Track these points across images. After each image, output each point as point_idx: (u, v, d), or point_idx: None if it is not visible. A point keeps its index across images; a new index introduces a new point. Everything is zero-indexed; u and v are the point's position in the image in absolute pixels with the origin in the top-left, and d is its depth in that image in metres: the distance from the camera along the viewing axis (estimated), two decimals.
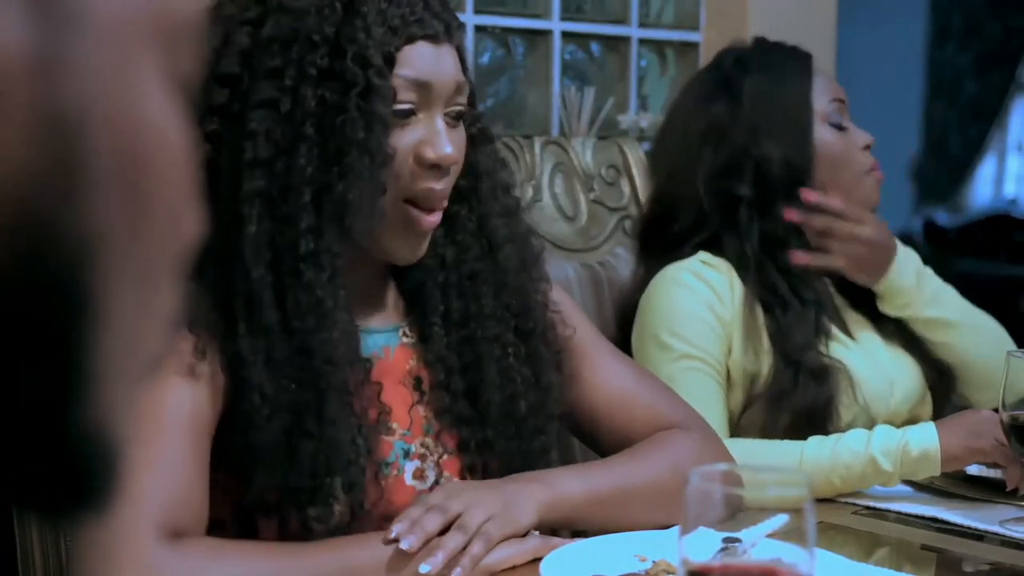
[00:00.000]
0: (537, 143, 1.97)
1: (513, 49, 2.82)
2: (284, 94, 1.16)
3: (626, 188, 2.05)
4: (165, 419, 1.11)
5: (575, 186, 1.99)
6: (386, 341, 1.30)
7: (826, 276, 1.83)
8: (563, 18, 2.87)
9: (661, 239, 1.80)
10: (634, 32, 3.01)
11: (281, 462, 1.16)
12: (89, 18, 0.33)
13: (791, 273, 1.73)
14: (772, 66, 1.81)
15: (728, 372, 1.69)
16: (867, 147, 1.80)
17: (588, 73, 2.96)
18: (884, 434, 1.54)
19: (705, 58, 3.12)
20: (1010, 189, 6.50)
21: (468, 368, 1.29)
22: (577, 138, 2.14)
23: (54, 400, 0.33)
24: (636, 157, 2.06)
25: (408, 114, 1.20)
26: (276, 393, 1.15)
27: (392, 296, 1.33)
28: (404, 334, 1.32)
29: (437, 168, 1.21)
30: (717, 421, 1.63)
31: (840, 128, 1.79)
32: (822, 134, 1.76)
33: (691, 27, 3.12)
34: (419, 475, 1.27)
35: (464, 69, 1.26)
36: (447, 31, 1.22)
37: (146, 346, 0.36)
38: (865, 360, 1.74)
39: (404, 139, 1.20)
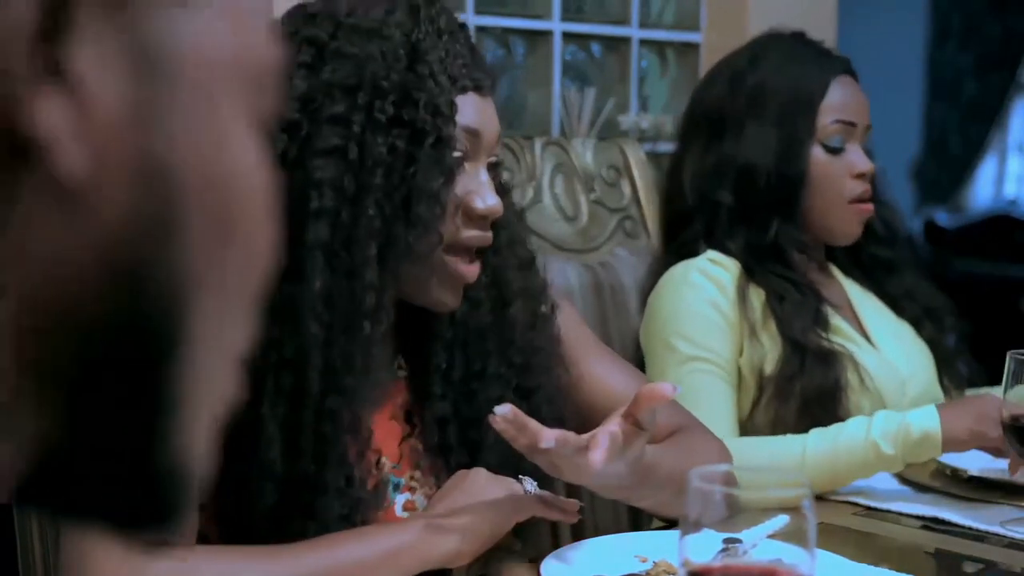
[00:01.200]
0: (537, 144, 1.97)
1: (513, 50, 2.82)
2: (351, 141, 1.14)
3: (627, 189, 2.05)
4: None
5: (575, 187, 1.99)
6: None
7: (843, 274, 1.84)
8: (563, 19, 2.87)
9: (675, 234, 1.81)
10: (635, 33, 3.01)
11: (269, 523, 1.15)
12: (184, 71, 0.35)
13: (787, 268, 1.73)
14: (787, 67, 1.78)
15: (740, 371, 1.69)
16: (861, 175, 1.76)
17: (589, 74, 2.96)
18: (884, 418, 1.54)
19: (705, 58, 3.12)
20: (1011, 190, 6.50)
21: (465, 426, 1.28)
22: (577, 139, 2.14)
23: (141, 429, 0.36)
24: (637, 158, 2.06)
25: (459, 163, 1.20)
26: (281, 462, 1.14)
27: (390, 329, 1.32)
28: (399, 366, 1.31)
29: (483, 219, 1.21)
30: (724, 421, 1.63)
31: (835, 151, 1.75)
32: (813, 154, 1.75)
33: (692, 28, 3.12)
34: (410, 507, 1.26)
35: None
36: (491, 83, 1.23)
37: (223, 380, 0.38)
38: (878, 360, 1.74)
39: (454, 189, 1.20)
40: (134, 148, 0.34)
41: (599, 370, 1.39)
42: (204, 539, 1.16)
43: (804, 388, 1.64)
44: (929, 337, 1.85)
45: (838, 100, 1.76)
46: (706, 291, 1.70)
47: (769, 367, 1.66)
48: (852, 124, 1.76)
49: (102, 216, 0.34)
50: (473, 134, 1.20)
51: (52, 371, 0.34)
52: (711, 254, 1.74)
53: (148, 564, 1.03)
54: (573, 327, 1.39)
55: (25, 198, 0.33)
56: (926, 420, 1.51)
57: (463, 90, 1.19)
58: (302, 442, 1.13)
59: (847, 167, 1.75)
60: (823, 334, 1.69)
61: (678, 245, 1.79)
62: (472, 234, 1.21)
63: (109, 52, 0.34)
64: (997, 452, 1.53)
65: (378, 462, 1.24)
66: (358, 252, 1.13)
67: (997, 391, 1.50)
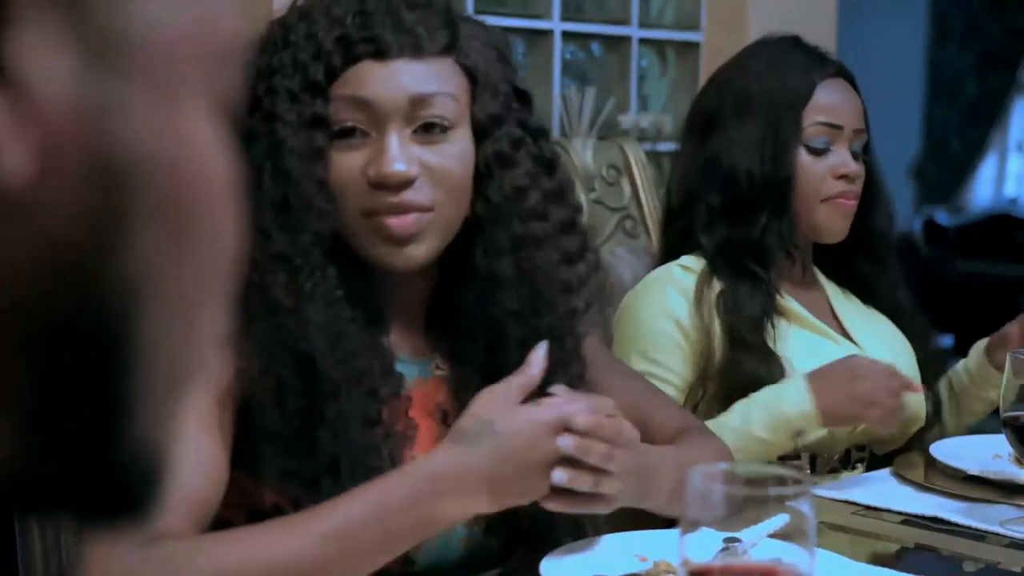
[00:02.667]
0: None
1: (513, 49, 2.82)
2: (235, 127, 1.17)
3: (627, 188, 2.05)
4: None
5: (575, 186, 1.99)
6: (419, 372, 1.30)
7: (824, 273, 1.85)
8: (563, 18, 2.87)
9: (664, 233, 1.83)
10: (634, 32, 3.01)
11: (296, 454, 1.15)
12: (139, 58, 0.33)
13: (759, 266, 1.74)
14: (773, 71, 1.79)
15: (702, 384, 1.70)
16: (843, 176, 1.76)
17: (588, 73, 2.96)
18: (762, 409, 1.58)
19: (706, 58, 3.12)
20: (1011, 189, 6.50)
21: None
22: (577, 138, 2.14)
23: (98, 425, 0.35)
24: (637, 157, 2.07)
25: (352, 133, 1.20)
26: (278, 380, 1.16)
27: (427, 328, 1.32)
28: (437, 366, 1.31)
29: (383, 186, 1.20)
30: None
31: (818, 152, 1.76)
32: (798, 155, 1.75)
33: (692, 27, 3.12)
34: None
35: (477, 82, 1.25)
36: (406, 46, 1.20)
37: (192, 363, 0.37)
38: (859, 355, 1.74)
39: (352, 160, 1.21)
40: (83, 145, 0.32)
41: (613, 381, 1.39)
42: (228, 526, 1.17)
43: (742, 379, 1.65)
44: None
45: (824, 103, 1.77)
46: (669, 305, 1.72)
47: (716, 362, 1.68)
48: (837, 127, 1.77)
49: (49, 217, 0.32)
50: (362, 104, 1.20)
51: (10, 374, 0.33)
52: (684, 259, 1.76)
53: (146, 551, 1.04)
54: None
55: None
56: (798, 400, 1.57)
57: (353, 60, 1.20)
58: (292, 401, 1.16)
59: (830, 168, 1.76)
60: (769, 328, 1.70)
61: (664, 243, 1.83)
62: (377, 200, 1.20)
63: (55, 42, 0.32)
64: (859, 405, 1.55)
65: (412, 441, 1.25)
66: (260, 221, 1.17)
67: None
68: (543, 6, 2.84)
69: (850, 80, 1.82)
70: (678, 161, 1.85)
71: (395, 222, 1.20)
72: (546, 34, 2.84)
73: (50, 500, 0.36)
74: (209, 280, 0.37)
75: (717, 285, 1.72)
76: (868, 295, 1.88)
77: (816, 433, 1.58)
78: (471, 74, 1.25)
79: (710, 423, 1.57)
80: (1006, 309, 1.96)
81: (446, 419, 1.29)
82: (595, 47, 3.00)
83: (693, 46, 3.12)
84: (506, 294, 1.26)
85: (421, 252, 1.23)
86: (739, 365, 1.66)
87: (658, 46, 3.10)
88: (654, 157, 3.03)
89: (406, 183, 1.20)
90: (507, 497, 1.14)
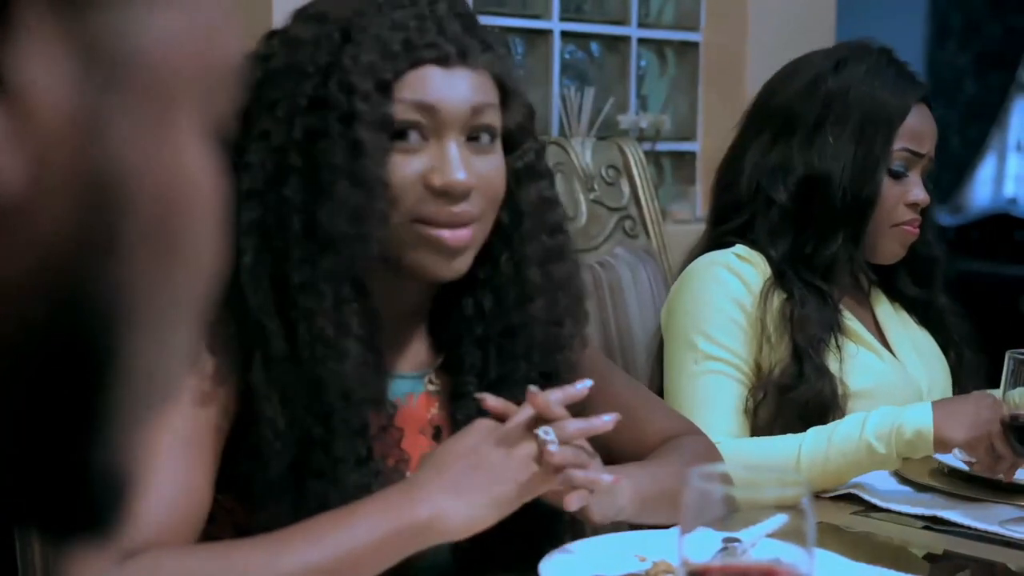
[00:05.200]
0: None
1: (513, 49, 2.82)
2: (278, 125, 1.15)
3: (626, 188, 2.05)
4: (163, 434, 1.10)
5: (575, 186, 1.99)
6: (411, 388, 1.29)
7: (870, 282, 1.83)
8: (563, 18, 2.87)
9: (722, 222, 1.79)
10: (634, 32, 3.01)
11: (288, 497, 1.14)
12: (138, 75, 0.33)
13: (822, 280, 1.72)
14: (872, 82, 1.73)
15: (759, 367, 1.68)
16: (914, 204, 1.73)
17: (588, 73, 2.96)
18: (879, 417, 1.54)
19: (705, 58, 3.12)
20: (1010, 189, 6.49)
21: None
22: (577, 138, 2.14)
23: (74, 433, 0.34)
24: (636, 157, 2.06)
25: (411, 138, 1.18)
26: (288, 427, 1.14)
27: (422, 340, 1.31)
28: (430, 381, 1.30)
29: (447, 195, 1.18)
30: (733, 422, 1.64)
31: (897, 176, 1.73)
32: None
33: (691, 27, 3.12)
34: None
35: (507, 93, 1.24)
36: (461, 54, 1.19)
37: (164, 381, 0.37)
38: (898, 373, 1.74)
39: (411, 165, 1.18)
40: (78, 159, 0.32)
41: (609, 387, 1.38)
42: (239, 527, 1.17)
43: (800, 398, 1.64)
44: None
45: (912, 127, 1.73)
46: (731, 287, 1.69)
47: (776, 371, 1.66)
48: (919, 155, 1.74)
49: (39, 230, 0.32)
50: (427, 109, 1.18)
51: None
52: (739, 249, 1.72)
53: (119, 567, 1.03)
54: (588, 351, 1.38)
55: None
56: (919, 419, 1.51)
57: (416, 63, 1.18)
58: (300, 407, 1.14)
59: (903, 194, 1.73)
60: (833, 348, 1.68)
61: (720, 233, 1.78)
62: (435, 208, 1.18)
63: (56, 55, 0.32)
64: (971, 450, 1.52)
65: (403, 475, 1.23)
66: (284, 229, 1.14)
67: (997, 394, 1.49)
68: (542, 6, 2.84)
69: (929, 105, 1.78)
70: (743, 152, 1.78)
71: (449, 235, 1.18)
72: (545, 34, 2.84)
73: (14, 511, 0.36)
74: (187, 300, 0.36)
75: (782, 291, 1.69)
76: (916, 314, 1.86)
77: (923, 454, 1.54)
78: (502, 86, 1.24)
79: (822, 428, 1.56)
80: (1005, 309, 1.96)
81: (439, 435, 1.28)
82: (594, 47, 3.00)
83: (692, 46, 3.12)
84: (534, 303, 1.26)
85: (465, 263, 1.22)
86: (800, 381, 1.64)
87: (657, 46, 3.10)
88: (653, 157, 3.03)
89: (467, 193, 1.19)
90: (485, 497, 1.13)
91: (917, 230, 1.76)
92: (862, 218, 1.71)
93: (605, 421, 1.19)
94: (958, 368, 1.84)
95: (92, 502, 0.36)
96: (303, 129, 1.15)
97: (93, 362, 0.34)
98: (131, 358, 0.34)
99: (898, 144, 1.72)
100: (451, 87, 1.19)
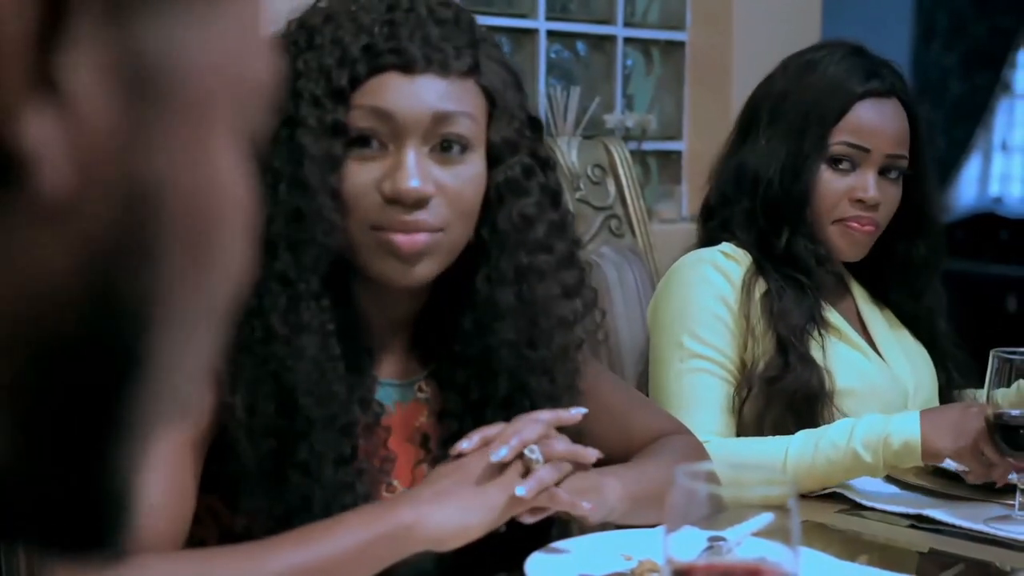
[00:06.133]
0: None
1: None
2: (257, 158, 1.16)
3: (612, 188, 2.05)
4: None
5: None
6: (400, 395, 1.28)
7: (856, 280, 1.84)
8: (548, 17, 2.87)
9: (704, 223, 1.82)
10: (620, 32, 3.01)
11: (269, 491, 1.14)
12: (181, 88, 0.34)
13: (798, 271, 1.72)
14: (814, 80, 1.74)
15: (745, 365, 1.69)
16: (859, 201, 1.71)
17: (574, 72, 2.96)
18: (867, 426, 1.54)
19: (691, 58, 3.12)
20: (995, 188, 6.52)
21: None
22: (563, 137, 2.14)
23: (91, 453, 0.35)
24: (622, 156, 2.06)
25: (368, 144, 1.17)
26: (253, 420, 1.13)
27: (412, 348, 1.30)
28: (419, 389, 1.30)
29: (399, 203, 1.16)
30: (719, 420, 1.64)
31: (841, 171, 1.72)
32: (820, 170, 1.72)
33: (677, 27, 3.12)
34: None
35: (495, 105, 1.22)
36: (428, 60, 1.17)
37: (186, 390, 0.37)
38: (882, 371, 1.74)
39: (367, 173, 1.17)
40: (121, 167, 0.33)
41: (599, 386, 1.38)
42: (224, 528, 1.17)
43: (787, 389, 1.64)
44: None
45: (856, 123, 1.72)
46: (716, 286, 1.70)
47: (760, 365, 1.67)
48: (864, 150, 1.71)
49: (83, 235, 0.33)
50: (384, 115, 1.16)
51: (10, 387, 0.33)
52: (725, 247, 1.74)
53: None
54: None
55: (6, 211, 0.32)
56: (907, 429, 1.51)
57: (377, 70, 1.16)
58: (266, 397, 1.14)
59: (849, 190, 1.72)
60: (816, 337, 1.69)
61: (704, 233, 1.81)
62: (394, 217, 1.17)
63: (104, 64, 0.32)
64: (960, 459, 1.52)
65: (389, 485, 1.23)
66: (268, 232, 1.14)
67: (981, 394, 1.49)
68: (528, 5, 2.83)
69: (906, 101, 1.76)
70: (719, 157, 1.83)
71: (404, 240, 1.17)
72: (531, 33, 2.84)
73: (20, 520, 0.36)
74: (215, 308, 0.37)
75: (763, 284, 1.70)
76: (902, 318, 1.86)
77: (910, 464, 1.54)
78: (490, 97, 1.22)
79: (811, 432, 1.57)
80: (990, 308, 1.96)
81: (427, 443, 1.28)
82: (580, 46, 2.99)
83: (678, 45, 3.12)
84: (504, 323, 1.24)
85: (426, 271, 1.20)
86: (786, 372, 1.64)
87: (643, 45, 3.10)
88: (639, 156, 3.03)
89: (421, 201, 1.17)
90: (467, 510, 1.13)
91: (868, 227, 1.73)
92: (798, 213, 1.72)
93: (572, 414, 1.20)
94: (945, 370, 1.84)
95: (101, 519, 0.36)
96: (269, 136, 1.14)
97: (121, 369, 0.34)
98: (157, 365, 0.35)
99: (837, 138, 1.71)
100: (411, 95, 1.17)
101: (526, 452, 1.16)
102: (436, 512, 1.12)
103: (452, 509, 1.13)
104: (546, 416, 1.19)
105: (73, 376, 0.34)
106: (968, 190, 6.49)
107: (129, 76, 0.33)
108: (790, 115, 1.73)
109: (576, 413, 1.21)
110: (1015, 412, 1.44)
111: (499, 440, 1.16)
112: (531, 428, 1.17)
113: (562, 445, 1.19)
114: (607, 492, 1.22)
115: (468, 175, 1.20)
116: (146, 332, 0.34)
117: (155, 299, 0.34)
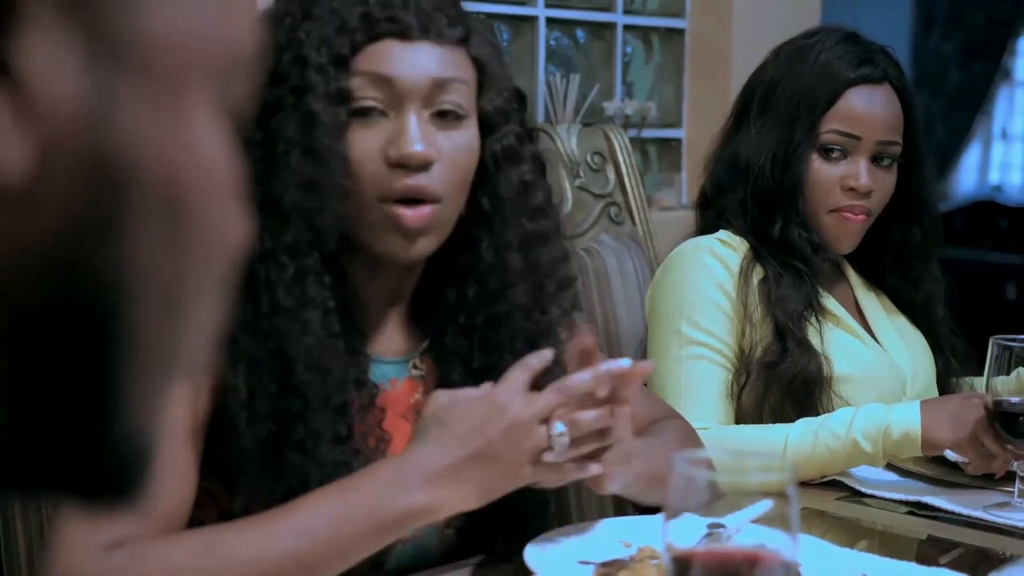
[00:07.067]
0: None
1: (498, 36, 2.81)
2: (252, 100, 1.15)
3: (611, 175, 2.04)
4: None
5: (560, 173, 1.98)
6: (395, 372, 1.28)
7: (853, 268, 1.83)
8: (548, 4, 2.87)
9: (701, 212, 1.82)
10: (619, 19, 3.00)
11: (266, 471, 1.14)
12: (148, 60, 0.34)
13: (795, 258, 1.72)
14: (804, 68, 1.73)
15: (743, 353, 1.69)
16: (851, 189, 1.70)
17: (573, 60, 2.96)
18: (868, 416, 1.54)
19: (690, 45, 3.12)
20: (995, 176, 6.52)
21: None
22: (562, 125, 2.13)
23: (87, 402, 0.35)
24: (621, 144, 2.06)
25: (370, 112, 1.18)
26: (253, 399, 1.13)
27: (407, 325, 1.30)
28: (414, 366, 1.30)
29: (405, 167, 1.17)
30: (717, 407, 1.64)
31: (832, 159, 1.71)
32: (811, 159, 1.72)
33: (676, 14, 3.12)
34: None
35: (485, 74, 1.23)
36: (424, 28, 1.19)
37: (179, 354, 0.37)
38: (880, 357, 1.74)
39: (370, 139, 1.18)
40: (83, 144, 0.33)
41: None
42: (223, 511, 1.17)
43: (785, 374, 1.64)
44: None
45: (847, 110, 1.71)
46: (714, 273, 1.70)
47: (758, 351, 1.67)
48: (855, 137, 1.70)
49: (44, 213, 0.33)
50: (385, 81, 1.17)
51: None
52: (722, 234, 1.74)
53: (107, 556, 1.03)
54: None
55: None
56: (907, 420, 1.51)
57: (375, 37, 1.18)
58: (266, 377, 1.14)
59: (841, 178, 1.71)
60: (814, 324, 1.68)
61: (702, 220, 1.81)
62: (401, 183, 1.17)
63: (62, 41, 0.32)
64: (960, 450, 1.52)
65: (385, 456, 1.23)
66: (280, 203, 1.14)
67: (980, 382, 1.49)
68: None
69: (899, 87, 1.74)
70: (714, 146, 1.83)
71: (410, 213, 1.17)
72: (531, 20, 2.83)
73: (36, 478, 0.37)
74: (205, 276, 0.37)
75: (760, 271, 1.70)
76: (899, 304, 1.85)
77: (909, 455, 1.54)
78: (480, 67, 1.24)
79: (811, 420, 1.57)
80: (989, 295, 1.96)
81: None
82: (580, 34, 2.99)
83: (678, 33, 3.12)
84: (515, 289, 1.25)
85: (426, 246, 1.21)
86: (784, 357, 1.64)
87: (643, 33, 3.09)
88: (639, 143, 3.03)
89: (426, 164, 1.18)
90: (483, 486, 1.12)
91: (861, 216, 1.72)
92: (791, 202, 1.71)
93: (621, 365, 1.14)
94: (943, 356, 1.84)
95: (114, 468, 0.37)
96: (261, 103, 1.14)
97: (101, 336, 0.35)
98: (140, 332, 0.35)
99: (827, 126, 1.70)
100: (410, 61, 1.18)
101: (553, 432, 1.12)
102: (453, 494, 1.11)
103: (470, 487, 1.11)
104: (585, 377, 1.14)
105: (51, 342, 0.34)
106: (968, 178, 6.50)
107: (92, 49, 0.32)
108: (781, 103, 1.73)
109: (623, 365, 1.15)
110: (1015, 400, 1.44)
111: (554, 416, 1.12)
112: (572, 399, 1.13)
113: (588, 418, 1.13)
114: (634, 465, 1.21)
115: (464, 143, 1.22)
116: (123, 303, 0.34)
117: (132, 269, 0.34)
